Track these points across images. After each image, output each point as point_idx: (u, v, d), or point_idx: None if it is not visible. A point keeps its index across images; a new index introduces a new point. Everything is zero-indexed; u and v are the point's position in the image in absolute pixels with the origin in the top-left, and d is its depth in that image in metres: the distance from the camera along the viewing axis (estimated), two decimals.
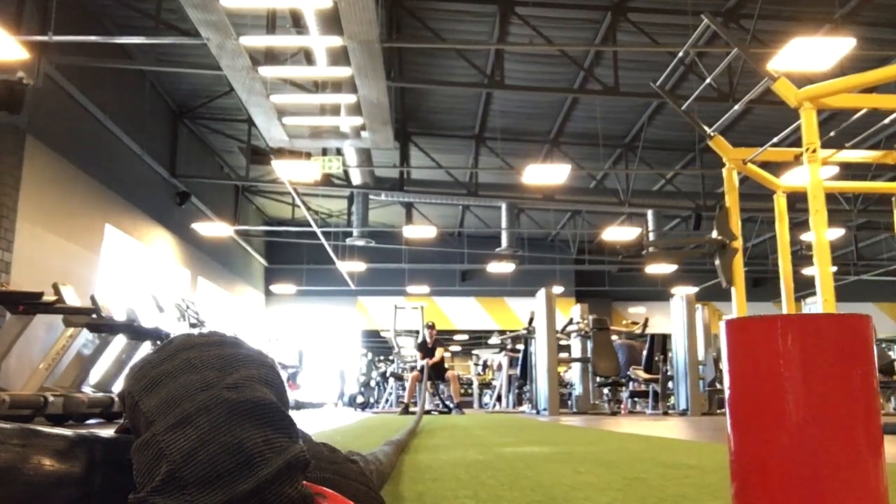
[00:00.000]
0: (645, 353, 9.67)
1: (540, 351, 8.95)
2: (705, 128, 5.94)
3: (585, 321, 9.24)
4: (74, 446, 0.63)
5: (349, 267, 17.85)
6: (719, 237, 5.77)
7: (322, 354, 19.58)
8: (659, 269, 17.58)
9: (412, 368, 10.53)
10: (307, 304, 20.40)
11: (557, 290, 14.47)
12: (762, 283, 21.98)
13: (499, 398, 12.71)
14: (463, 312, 20.77)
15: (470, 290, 20.79)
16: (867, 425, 0.71)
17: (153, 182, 11.87)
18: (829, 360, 0.71)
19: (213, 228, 13.53)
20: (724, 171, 6.10)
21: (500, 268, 17.41)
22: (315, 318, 20.57)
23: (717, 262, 5.90)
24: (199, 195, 13.54)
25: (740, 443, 0.74)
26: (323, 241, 15.48)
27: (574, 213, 17.59)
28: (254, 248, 18.93)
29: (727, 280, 5.82)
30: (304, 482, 0.61)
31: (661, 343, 9.48)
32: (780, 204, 6.53)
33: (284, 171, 8.70)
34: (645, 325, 9.30)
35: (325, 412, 13.00)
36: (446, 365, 10.54)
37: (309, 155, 9.56)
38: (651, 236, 13.38)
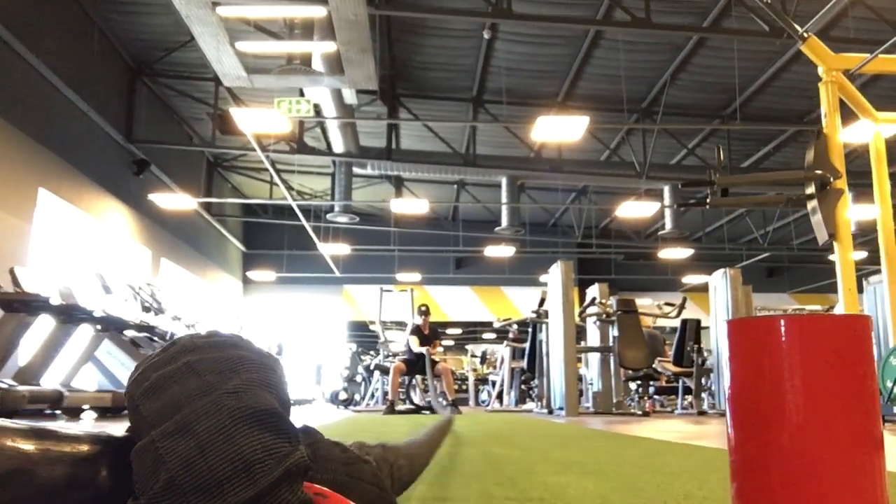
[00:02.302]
0: (674, 342, 8.23)
1: (554, 338, 7.48)
2: (797, 27, 4.47)
3: (608, 303, 7.78)
4: (86, 447, 0.62)
5: (333, 250, 16.36)
6: (818, 173, 4.32)
7: (305, 347, 18.16)
8: (671, 254, 16.15)
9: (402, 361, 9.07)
10: (288, 292, 18.94)
11: None
12: (777, 273, 20.65)
13: (499, 395, 11.21)
14: (457, 302, 19.37)
15: (465, 278, 19.42)
16: (867, 426, 0.68)
17: (104, 145, 10.34)
18: (829, 360, 0.67)
19: (174, 200, 11.97)
20: (822, 87, 4.64)
21: (499, 251, 15.98)
22: (297, 307, 19.13)
23: (812, 213, 4.42)
24: (163, 165, 11.98)
25: (740, 443, 0.71)
26: (302, 219, 13.98)
27: (580, 193, 16.15)
28: (230, 232, 17.37)
29: (829, 230, 4.33)
30: (308, 483, 0.61)
31: (694, 330, 8.04)
32: (878, 142, 5.05)
33: (245, 120, 7.18)
34: (682, 308, 7.87)
35: (309, 409, 11.54)
36: (437, 358, 9.15)
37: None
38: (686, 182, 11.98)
